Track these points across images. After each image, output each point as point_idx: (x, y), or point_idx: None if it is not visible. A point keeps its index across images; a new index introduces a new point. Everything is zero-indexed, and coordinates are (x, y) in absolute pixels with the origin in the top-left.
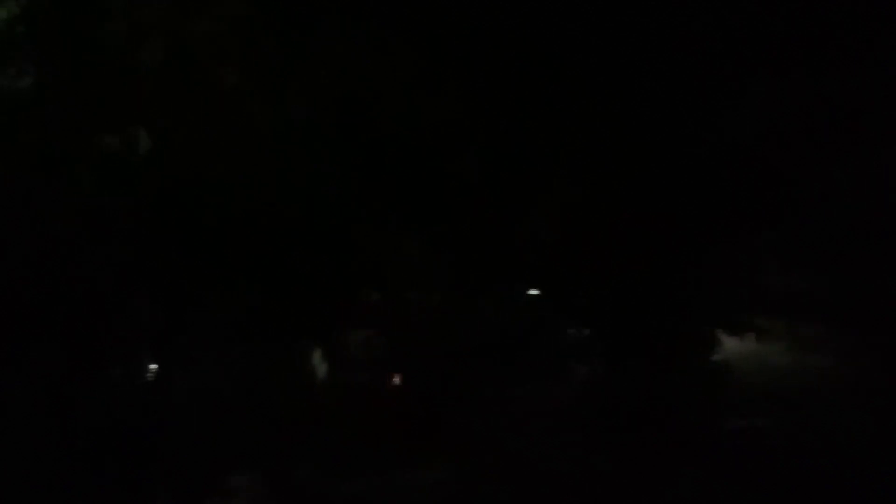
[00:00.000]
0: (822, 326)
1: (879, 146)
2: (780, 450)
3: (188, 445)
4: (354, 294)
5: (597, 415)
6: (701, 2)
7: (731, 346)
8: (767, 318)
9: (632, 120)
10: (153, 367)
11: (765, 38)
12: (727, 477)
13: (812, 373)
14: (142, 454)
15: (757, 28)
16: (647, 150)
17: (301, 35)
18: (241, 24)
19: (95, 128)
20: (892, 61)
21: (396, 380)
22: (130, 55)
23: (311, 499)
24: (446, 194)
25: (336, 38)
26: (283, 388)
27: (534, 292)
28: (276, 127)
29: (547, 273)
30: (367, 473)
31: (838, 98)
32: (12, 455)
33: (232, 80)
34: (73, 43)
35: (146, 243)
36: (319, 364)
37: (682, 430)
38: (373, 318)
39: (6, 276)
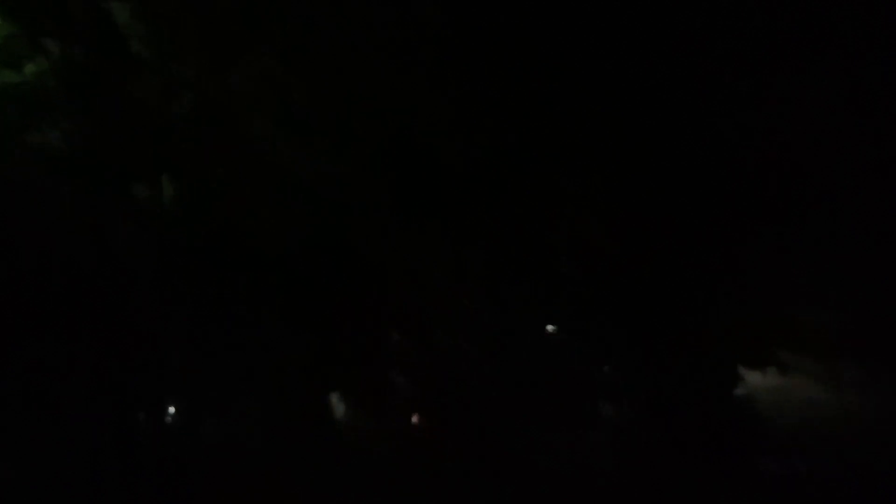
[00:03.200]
0: (851, 362)
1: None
2: (813, 492)
3: (211, 488)
4: (382, 335)
5: (626, 458)
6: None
7: (755, 380)
8: (795, 353)
9: (652, 132)
10: (171, 409)
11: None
12: None
13: (841, 408)
14: (167, 495)
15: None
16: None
17: (329, 82)
18: (271, 78)
19: (125, 177)
20: None
21: (415, 419)
22: (162, 109)
23: None
24: (475, 214)
25: (364, 79)
26: (306, 430)
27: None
28: (306, 172)
29: (573, 305)
30: None
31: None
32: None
33: (263, 131)
34: (104, 97)
35: (172, 286)
36: (338, 405)
37: (716, 472)
38: (394, 358)
39: (36, 319)
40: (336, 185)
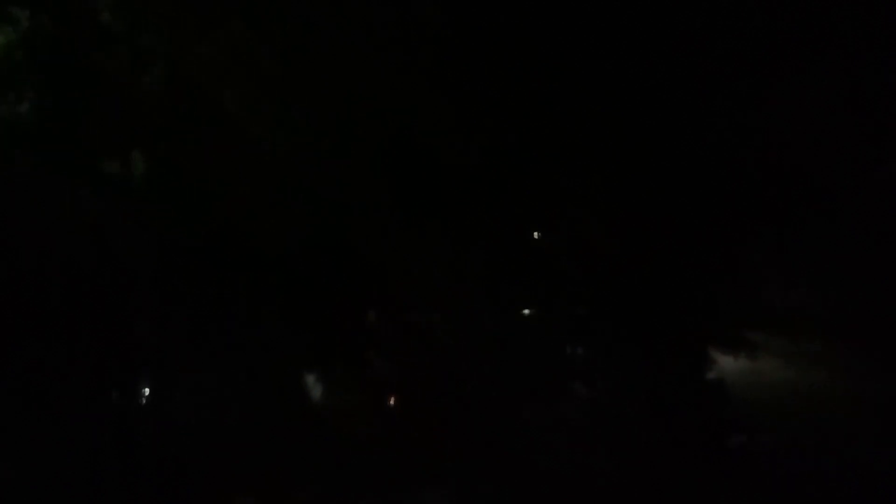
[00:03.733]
0: (821, 341)
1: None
2: (782, 465)
3: (187, 468)
4: (360, 315)
5: (598, 433)
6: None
7: (728, 363)
8: (766, 334)
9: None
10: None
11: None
12: (730, 494)
13: (811, 388)
14: (140, 477)
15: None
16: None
17: (301, 52)
18: (241, 47)
19: (95, 152)
20: None
21: (391, 400)
22: (132, 81)
23: None
24: (460, 201)
25: (339, 52)
26: (282, 409)
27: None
28: (279, 146)
29: (549, 287)
30: (367, 495)
31: (842, 101)
32: (11, 478)
33: (233, 102)
34: (73, 69)
35: (146, 264)
36: (314, 385)
37: (683, 448)
38: (371, 338)
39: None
40: (315, 153)
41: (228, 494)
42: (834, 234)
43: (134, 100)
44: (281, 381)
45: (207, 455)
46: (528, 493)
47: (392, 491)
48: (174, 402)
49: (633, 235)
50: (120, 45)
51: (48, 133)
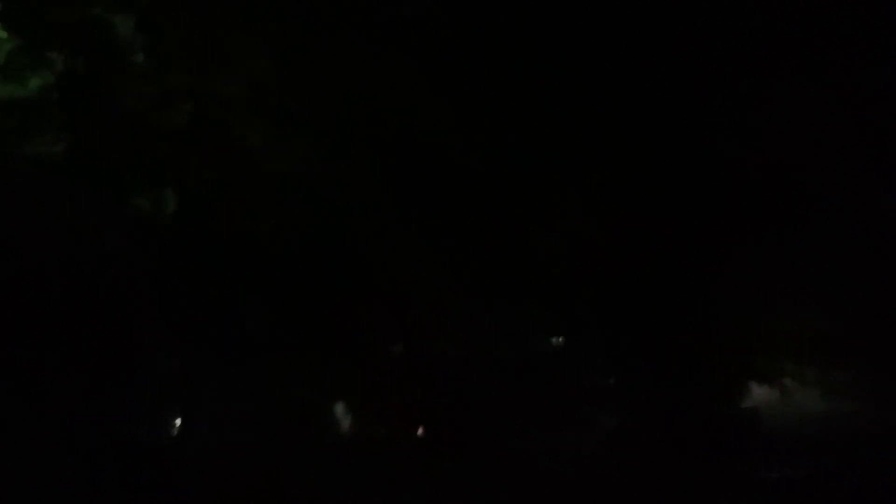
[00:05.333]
0: (854, 371)
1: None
2: (815, 498)
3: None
4: (379, 344)
5: (622, 464)
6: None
7: (760, 394)
8: (796, 364)
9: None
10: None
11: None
12: None
13: (843, 418)
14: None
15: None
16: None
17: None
18: (262, 83)
19: (125, 189)
20: None
21: (419, 431)
22: (158, 119)
23: None
24: (475, 214)
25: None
26: (309, 441)
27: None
28: (300, 176)
29: (570, 314)
30: None
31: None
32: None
33: (256, 138)
34: (102, 107)
35: (167, 292)
36: (343, 417)
37: (712, 481)
38: (397, 369)
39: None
40: (335, 185)
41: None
42: (862, 258)
43: (162, 137)
44: (309, 412)
45: (230, 486)
46: None
47: None
48: (199, 434)
49: (653, 249)
50: (150, 85)
51: (83, 172)
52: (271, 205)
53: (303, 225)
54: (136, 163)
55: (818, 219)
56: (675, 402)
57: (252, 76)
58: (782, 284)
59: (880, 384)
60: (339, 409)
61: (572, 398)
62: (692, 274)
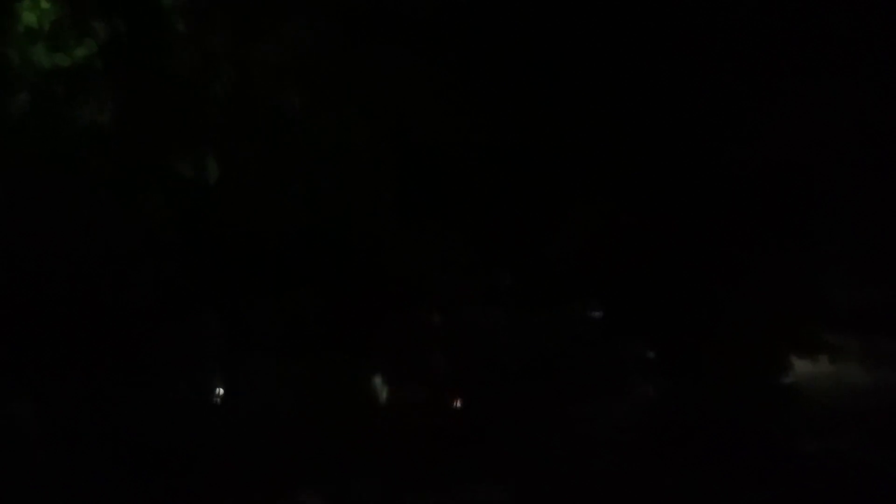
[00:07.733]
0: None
1: None
2: (859, 473)
3: (251, 463)
4: (411, 310)
5: (660, 435)
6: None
7: (803, 368)
8: (839, 335)
9: (671, 128)
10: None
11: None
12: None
13: (890, 391)
14: (203, 473)
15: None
16: (694, 157)
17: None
18: (301, 49)
19: (169, 155)
20: None
21: (456, 400)
22: (201, 84)
23: None
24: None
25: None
26: (345, 407)
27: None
28: (336, 146)
29: (606, 288)
30: (426, 490)
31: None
32: (59, 472)
33: (294, 104)
34: (146, 74)
35: (207, 259)
36: (381, 386)
37: (754, 453)
38: (433, 336)
39: (59, 286)
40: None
41: (288, 490)
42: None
43: (204, 103)
44: (347, 378)
45: (268, 451)
46: (582, 493)
47: (450, 487)
48: (238, 399)
49: (684, 223)
50: (191, 50)
51: (127, 139)
52: (309, 171)
53: (336, 196)
54: (180, 129)
55: (862, 190)
56: (716, 375)
57: (291, 45)
58: (825, 255)
59: None
60: (377, 380)
61: (614, 368)
62: (733, 249)
